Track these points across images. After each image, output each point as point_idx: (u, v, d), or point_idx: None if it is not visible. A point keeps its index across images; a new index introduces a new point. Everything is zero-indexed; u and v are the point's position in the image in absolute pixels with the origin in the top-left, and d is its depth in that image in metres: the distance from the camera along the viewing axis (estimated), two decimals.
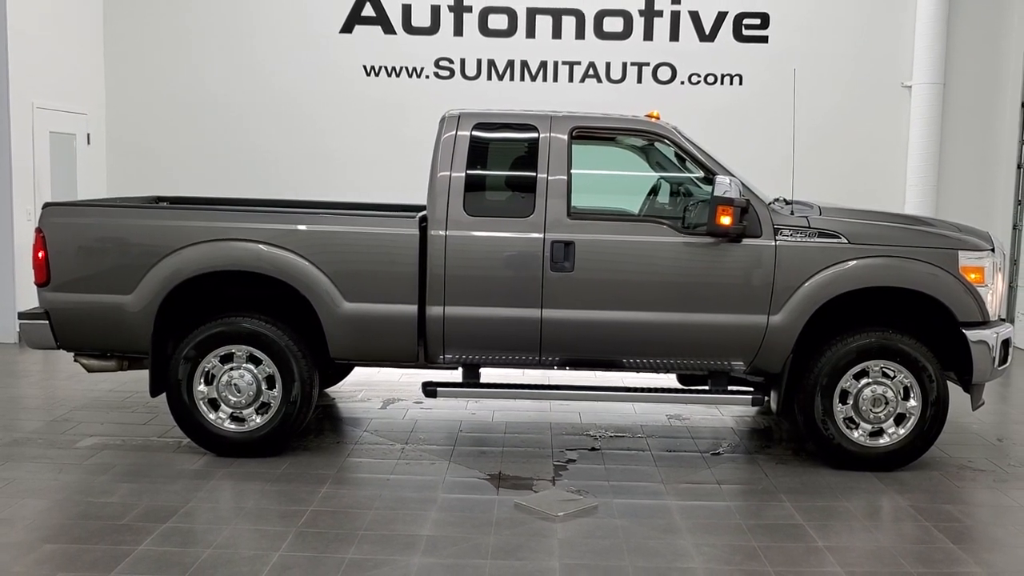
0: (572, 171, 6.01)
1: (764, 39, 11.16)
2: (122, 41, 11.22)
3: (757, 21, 11.16)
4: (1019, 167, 10.94)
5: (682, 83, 11.22)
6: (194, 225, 6.01)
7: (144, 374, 6.16)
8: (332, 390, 7.92)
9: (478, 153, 6.13)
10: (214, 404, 6.06)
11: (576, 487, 5.69)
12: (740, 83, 11.19)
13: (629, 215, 6.61)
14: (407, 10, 11.14)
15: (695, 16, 11.15)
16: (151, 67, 11.23)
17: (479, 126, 6.15)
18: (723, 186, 5.71)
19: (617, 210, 6.70)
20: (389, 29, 11.16)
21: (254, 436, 6.06)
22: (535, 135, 6.10)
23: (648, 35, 11.21)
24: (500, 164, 6.39)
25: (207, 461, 6.01)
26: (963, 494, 5.80)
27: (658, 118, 6.38)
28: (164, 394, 6.09)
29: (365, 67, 11.18)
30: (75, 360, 6.32)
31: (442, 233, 5.95)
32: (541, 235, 5.93)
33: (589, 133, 6.22)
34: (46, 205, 6.22)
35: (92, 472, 5.79)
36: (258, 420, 6.07)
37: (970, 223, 6.71)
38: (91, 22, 11.06)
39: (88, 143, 10.87)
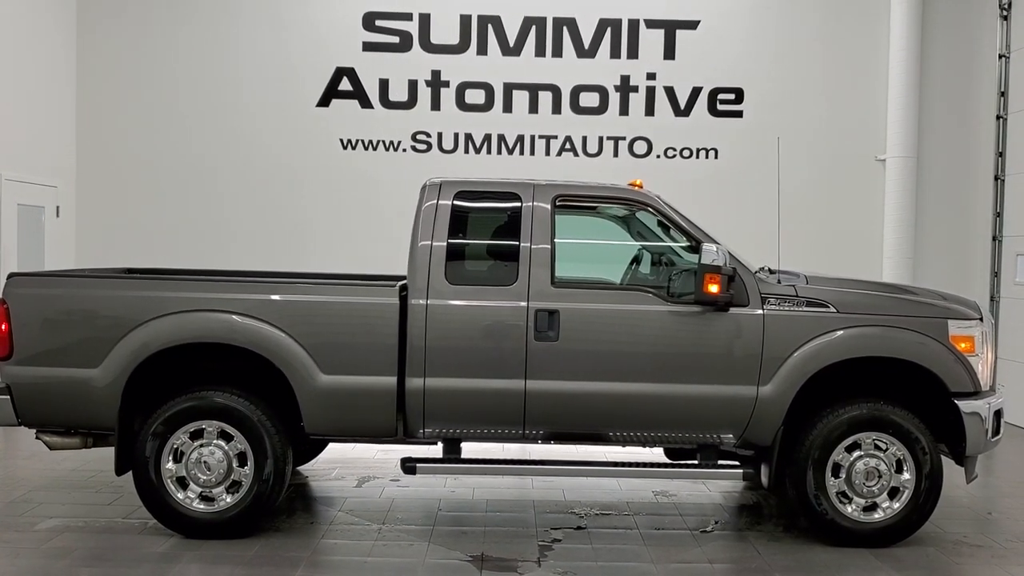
0: (556, 239, 5.91)
1: (739, 113, 11.28)
2: (95, 113, 11.14)
3: (732, 96, 11.29)
4: (995, 239, 11.01)
5: (658, 156, 11.29)
6: (164, 295, 5.81)
7: (108, 451, 5.88)
8: (305, 468, 7.62)
9: (460, 221, 6.02)
10: (182, 483, 5.78)
11: (563, 569, 5.44)
12: (716, 156, 11.28)
13: (614, 284, 6.49)
14: (384, 84, 11.17)
15: (670, 92, 11.27)
16: (124, 139, 11.14)
17: (461, 194, 6.05)
18: (710, 254, 5.62)
19: (601, 279, 6.60)
20: (366, 103, 11.17)
21: (224, 516, 5.77)
22: (517, 203, 6.01)
23: (624, 110, 11.30)
24: (482, 232, 6.26)
25: (174, 543, 5.71)
26: (963, 572, 5.61)
27: (641, 187, 6.32)
28: (130, 472, 5.80)
29: (342, 140, 11.16)
30: (37, 437, 6.03)
31: (423, 302, 5.79)
32: (525, 304, 5.79)
33: (572, 201, 6.14)
34: (11, 275, 6.00)
35: (51, 556, 5.47)
36: (228, 499, 5.79)
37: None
38: (64, 93, 10.96)
39: (57, 215, 10.68)
